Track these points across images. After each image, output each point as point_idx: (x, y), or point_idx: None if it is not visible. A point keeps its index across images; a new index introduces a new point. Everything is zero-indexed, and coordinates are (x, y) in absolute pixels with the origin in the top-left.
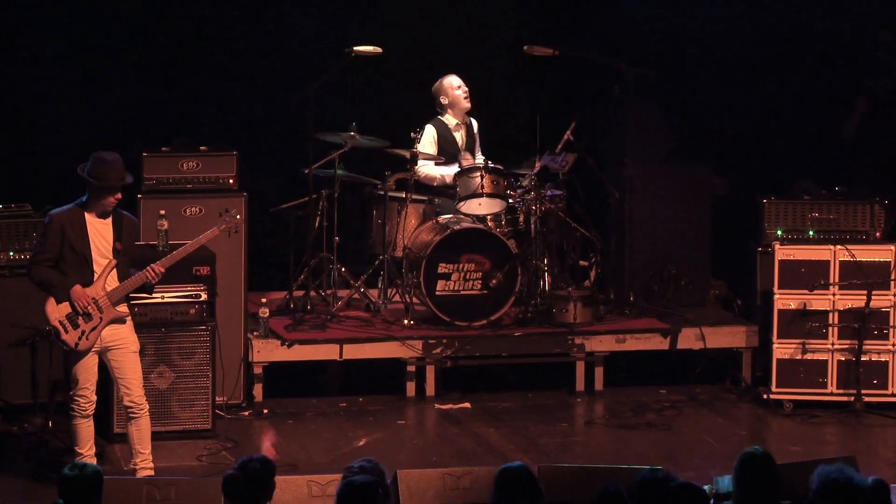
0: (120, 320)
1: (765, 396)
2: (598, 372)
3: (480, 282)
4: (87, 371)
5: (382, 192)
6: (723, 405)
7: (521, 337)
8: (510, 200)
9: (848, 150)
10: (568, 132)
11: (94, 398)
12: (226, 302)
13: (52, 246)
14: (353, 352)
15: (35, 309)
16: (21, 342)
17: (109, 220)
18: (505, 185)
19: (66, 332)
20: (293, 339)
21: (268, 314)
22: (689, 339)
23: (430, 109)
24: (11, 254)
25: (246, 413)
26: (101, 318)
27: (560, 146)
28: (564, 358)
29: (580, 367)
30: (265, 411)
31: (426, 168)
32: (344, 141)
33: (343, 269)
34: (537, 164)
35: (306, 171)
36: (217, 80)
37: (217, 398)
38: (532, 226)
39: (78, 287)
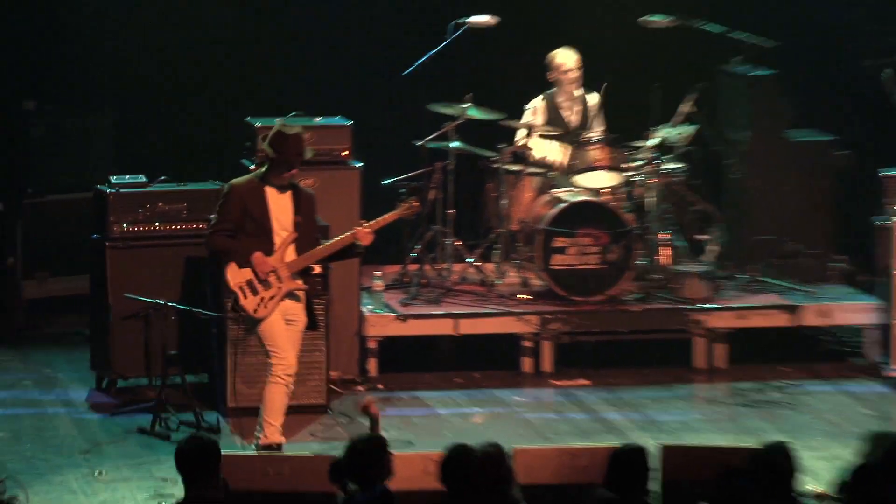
0: (296, 295)
1: (888, 375)
2: (719, 349)
3: (597, 256)
4: (281, 334)
5: (497, 165)
6: (847, 383)
7: (640, 312)
8: (627, 173)
9: None
10: (687, 103)
11: (295, 363)
12: (340, 276)
13: (231, 215)
14: (469, 327)
15: (148, 280)
16: (134, 314)
17: (288, 193)
18: (622, 158)
19: (246, 297)
20: (408, 313)
21: (382, 288)
22: (812, 315)
23: (546, 80)
24: (125, 226)
25: (360, 388)
26: (279, 288)
27: (679, 118)
28: (684, 334)
29: (700, 344)
30: (379, 386)
31: (532, 140)
32: (459, 113)
33: (458, 243)
34: (656, 137)
35: (419, 144)
36: (330, 51)
37: (331, 373)
38: (650, 199)
39: (259, 253)
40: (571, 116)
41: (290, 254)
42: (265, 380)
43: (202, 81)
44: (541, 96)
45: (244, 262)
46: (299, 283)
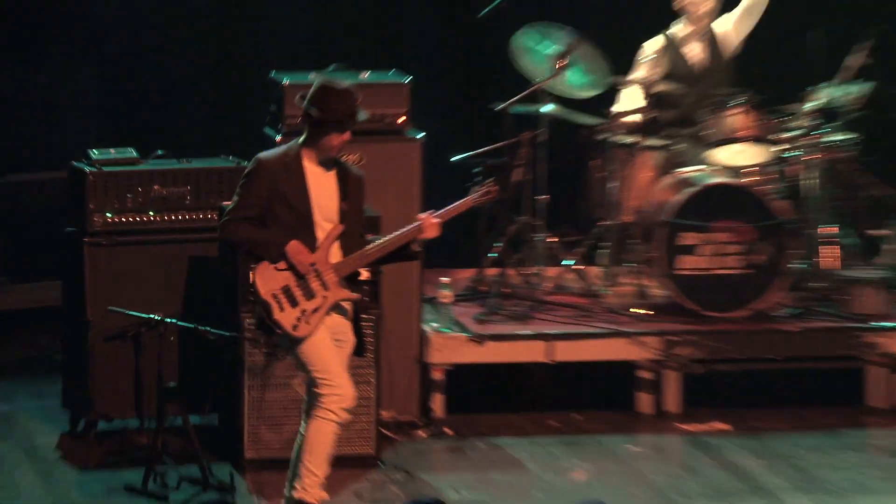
0: (343, 308)
1: None
2: None
3: (739, 257)
4: (331, 356)
5: (604, 136)
6: None
7: (797, 334)
8: (779, 147)
9: None
10: (859, 55)
11: (354, 394)
12: (394, 283)
13: (257, 198)
14: (566, 351)
15: (140, 288)
16: (122, 334)
17: (333, 172)
18: (772, 127)
19: (282, 309)
20: (485, 333)
21: (451, 299)
22: None
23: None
24: (110, 216)
25: (422, 433)
26: (324, 297)
27: (848, 74)
28: (855, 362)
29: (877, 375)
30: (447, 431)
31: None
32: (557, 59)
33: (552, 240)
34: (817, 99)
35: (500, 108)
36: None
37: (382, 413)
38: (809, 181)
39: (296, 243)
40: (697, 59)
41: (336, 253)
42: (312, 413)
43: (210, 28)
44: (659, 36)
45: (277, 255)
46: (348, 292)
